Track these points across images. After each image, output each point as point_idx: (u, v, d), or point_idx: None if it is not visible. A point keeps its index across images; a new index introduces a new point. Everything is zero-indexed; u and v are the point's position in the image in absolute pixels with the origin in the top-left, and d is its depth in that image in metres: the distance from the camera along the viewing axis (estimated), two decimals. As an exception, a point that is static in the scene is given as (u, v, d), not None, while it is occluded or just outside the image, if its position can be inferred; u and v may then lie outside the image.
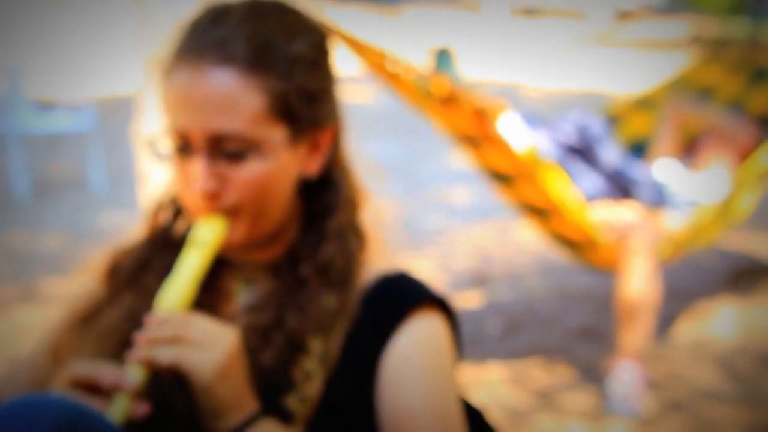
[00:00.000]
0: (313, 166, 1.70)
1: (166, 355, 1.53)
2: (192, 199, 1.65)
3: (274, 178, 1.63)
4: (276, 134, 1.63)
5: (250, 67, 1.60)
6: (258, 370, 1.61)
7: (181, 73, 1.61)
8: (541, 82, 15.99)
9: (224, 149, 1.61)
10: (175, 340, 1.54)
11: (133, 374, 1.53)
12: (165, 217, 1.80)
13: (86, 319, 1.75)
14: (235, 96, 1.59)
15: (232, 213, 1.64)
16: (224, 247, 1.67)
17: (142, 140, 4.12)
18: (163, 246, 1.77)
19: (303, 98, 1.64)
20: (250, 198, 1.63)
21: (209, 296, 1.72)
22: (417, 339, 1.66)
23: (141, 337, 1.55)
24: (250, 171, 1.61)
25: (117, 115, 12.05)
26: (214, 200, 1.63)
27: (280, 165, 1.64)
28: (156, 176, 4.09)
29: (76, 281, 1.83)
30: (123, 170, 9.62)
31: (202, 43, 1.61)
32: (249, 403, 1.56)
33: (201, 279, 1.65)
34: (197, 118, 1.59)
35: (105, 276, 1.79)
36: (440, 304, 1.72)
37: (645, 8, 27.35)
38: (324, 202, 1.73)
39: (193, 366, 1.53)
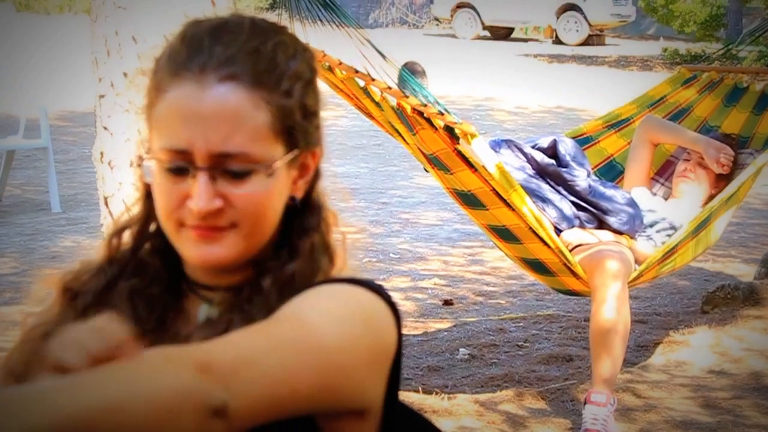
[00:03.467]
0: (300, 189, 1.65)
1: None
2: (183, 216, 1.58)
3: (272, 198, 1.59)
4: (277, 152, 1.58)
5: (255, 84, 1.56)
6: None
7: (183, 89, 1.55)
8: (515, 100, 16.00)
9: (227, 168, 1.56)
10: None
11: None
12: (128, 238, 1.72)
13: (47, 338, 1.58)
14: (241, 114, 1.54)
15: (230, 227, 1.58)
16: (214, 265, 1.61)
17: (99, 158, 4.02)
18: (127, 269, 1.69)
19: (303, 116, 1.61)
20: (249, 216, 1.58)
21: (173, 319, 1.66)
22: (327, 286, 1.56)
23: None
24: (252, 189, 1.56)
25: (73, 132, 11.97)
26: (212, 218, 1.57)
27: (278, 184, 1.59)
28: (117, 195, 3.99)
29: (30, 303, 1.73)
30: (81, 188, 9.51)
31: (206, 59, 1.56)
32: None
33: None
34: (201, 137, 1.54)
35: (64, 298, 1.70)
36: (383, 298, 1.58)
37: (619, 26, 27.50)
38: (303, 224, 1.66)
39: None
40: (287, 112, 1.58)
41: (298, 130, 1.60)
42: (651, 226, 5.18)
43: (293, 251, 1.65)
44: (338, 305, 1.52)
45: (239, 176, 1.56)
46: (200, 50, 1.57)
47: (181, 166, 1.57)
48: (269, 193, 1.58)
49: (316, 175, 1.68)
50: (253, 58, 1.56)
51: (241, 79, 1.55)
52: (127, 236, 1.73)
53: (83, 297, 1.69)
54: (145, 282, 1.67)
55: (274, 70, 1.58)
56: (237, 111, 1.54)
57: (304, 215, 1.67)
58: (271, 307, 1.57)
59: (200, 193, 1.55)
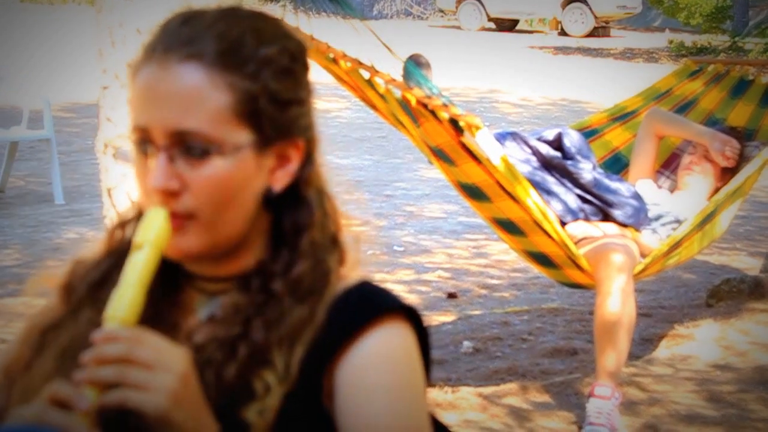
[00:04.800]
0: (279, 180, 1.64)
1: (108, 373, 1.46)
2: (150, 198, 1.59)
3: (234, 183, 1.58)
4: (240, 137, 1.57)
5: (216, 65, 1.56)
6: (219, 382, 1.57)
7: (147, 69, 1.58)
8: (519, 92, 15.99)
9: (185, 146, 1.56)
10: (123, 362, 1.46)
11: (87, 396, 1.45)
12: (128, 232, 1.72)
13: (43, 335, 1.69)
14: (199, 93, 1.55)
15: (188, 217, 1.58)
16: (180, 256, 1.61)
17: (102, 150, 4.01)
18: (123, 261, 1.66)
19: (271, 103, 1.59)
20: (208, 201, 1.57)
21: (170, 310, 1.66)
22: (379, 350, 1.61)
23: (88, 358, 1.47)
24: (210, 172, 1.56)
25: (76, 123, 11.96)
26: (171, 200, 1.57)
27: (242, 170, 1.58)
28: (120, 186, 3.98)
29: (30, 297, 1.74)
30: (85, 180, 9.50)
31: (171, 40, 1.57)
32: (209, 427, 1.50)
33: (149, 282, 1.56)
34: (159, 114, 1.56)
35: (61, 292, 1.72)
36: (407, 315, 1.65)
37: (624, 18, 27.47)
38: (294, 219, 1.66)
39: (142, 399, 1.45)
40: (251, 96, 1.58)
41: (265, 116, 1.59)
42: (656, 219, 5.16)
43: (293, 248, 1.65)
44: (400, 399, 1.60)
45: (197, 155, 1.56)
46: (168, 33, 1.59)
47: (143, 143, 1.58)
48: (230, 179, 1.57)
49: (304, 168, 1.67)
50: (217, 39, 1.57)
51: (203, 58, 1.56)
52: (129, 231, 1.73)
53: (77, 291, 1.70)
54: None
55: (238, 53, 1.58)
56: (195, 90, 1.55)
57: (293, 209, 1.66)
58: (285, 312, 1.60)
59: (157, 170, 1.56)
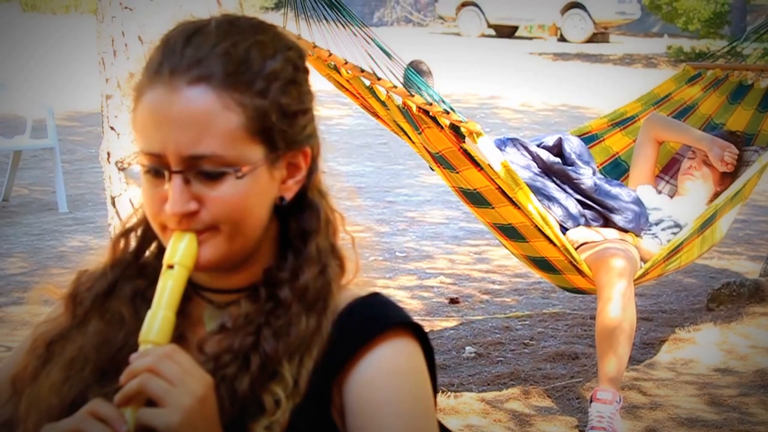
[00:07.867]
0: (290, 189, 1.65)
1: (133, 384, 1.48)
2: (164, 219, 1.59)
3: (250, 199, 1.58)
4: (253, 154, 1.58)
5: (226, 85, 1.55)
6: (233, 395, 1.57)
7: (155, 93, 1.56)
8: (519, 98, 15.99)
9: (200, 169, 1.56)
10: (149, 372, 1.49)
11: (127, 417, 1.48)
12: (132, 241, 1.73)
13: (50, 346, 1.69)
14: (211, 116, 1.54)
15: (205, 231, 1.58)
16: (197, 269, 1.60)
17: (105, 158, 4.02)
18: (130, 271, 1.71)
19: (281, 117, 1.59)
20: (226, 218, 1.58)
21: (178, 323, 1.63)
22: (387, 365, 1.62)
23: (123, 378, 1.50)
24: (226, 191, 1.56)
25: (79, 132, 11.96)
26: (189, 220, 1.57)
27: (257, 186, 1.59)
28: (124, 195, 4.00)
29: (34, 305, 1.75)
30: (88, 188, 9.50)
31: (177, 61, 1.56)
32: None
33: (178, 302, 1.59)
34: (173, 140, 1.54)
35: (67, 302, 1.72)
36: (413, 330, 1.66)
37: (623, 24, 27.48)
38: (302, 225, 1.67)
39: (155, 413, 1.47)
40: (262, 113, 1.58)
41: (276, 130, 1.59)
42: (656, 224, 5.18)
43: (298, 254, 1.65)
44: (409, 413, 1.61)
45: (213, 177, 1.56)
46: (172, 54, 1.57)
47: (157, 169, 1.58)
48: (245, 195, 1.58)
49: (310, 174, 1.67)
50: (223, 59, 1.56)
51: (211, 80, 1.55)
52: (133, 239, 1.75)
53: (84, 302, 1.70)
54: (147, 284, 1.68)
55: (246, 71, 1.57)
56: (206, 113, 1.54)
57: (301, 215, 1.67)
58: (293, 321, 1.61)
59: (174, 196, 1.56)
